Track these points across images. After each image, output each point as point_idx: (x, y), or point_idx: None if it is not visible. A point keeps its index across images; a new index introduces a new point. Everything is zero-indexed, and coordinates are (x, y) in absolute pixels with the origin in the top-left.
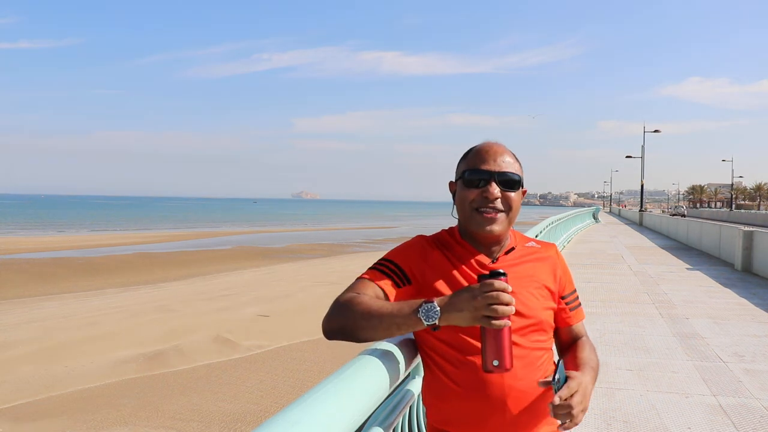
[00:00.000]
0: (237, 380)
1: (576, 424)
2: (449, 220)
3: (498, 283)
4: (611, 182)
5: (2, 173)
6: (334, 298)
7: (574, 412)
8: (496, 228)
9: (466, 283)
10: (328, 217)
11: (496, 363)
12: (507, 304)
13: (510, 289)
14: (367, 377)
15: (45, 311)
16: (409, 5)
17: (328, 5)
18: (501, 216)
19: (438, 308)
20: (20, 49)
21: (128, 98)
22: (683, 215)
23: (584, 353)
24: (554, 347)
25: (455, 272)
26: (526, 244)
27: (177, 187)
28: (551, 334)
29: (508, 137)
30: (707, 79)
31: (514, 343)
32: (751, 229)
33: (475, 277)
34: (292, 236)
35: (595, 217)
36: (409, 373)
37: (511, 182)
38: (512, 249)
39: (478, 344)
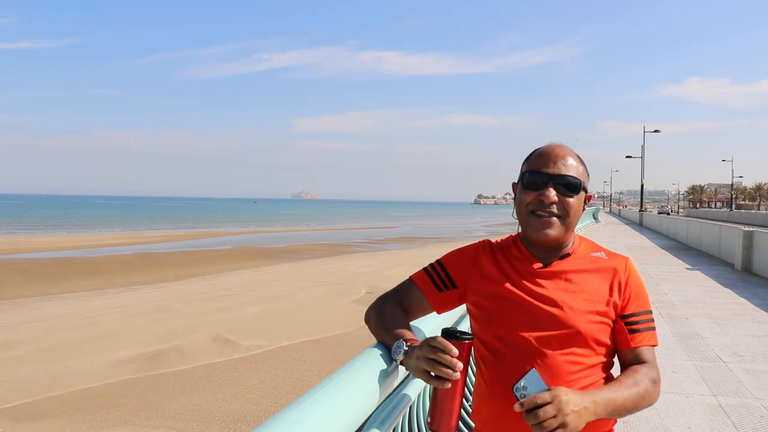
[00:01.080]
0: (237, 380)
1: None
2: (450, 220)
3: (440, 340)
4: (611, 182)
5: (2, 173)
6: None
7: (545, 424)
8: (551, 232)
9: (509, 289)
10: (328, 217)
11: (428, 420)
12: (448, 366)
13: (455, 352)
14: (366, 377)
15: (45, 311)
16: (409, 5)
17: (328, 5)
18: (556, 220)
19: (402, 351)
20: (20, 49)
21: (128, 98)
22: (668, 213)
23: (624, 378)
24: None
25: (502, 278)
26: (592, 254)
27: (177, 187)
28: (601, 351)
29: (507, 137)
30: (707, 79)
31: (539, 352)
32: (751, 229)
33: (523, 282)
34: (292, 236)
35: (595, 217)
36: (409, 374)
37: (570, 186)
38: (568, 255)
39: (510, 351)
